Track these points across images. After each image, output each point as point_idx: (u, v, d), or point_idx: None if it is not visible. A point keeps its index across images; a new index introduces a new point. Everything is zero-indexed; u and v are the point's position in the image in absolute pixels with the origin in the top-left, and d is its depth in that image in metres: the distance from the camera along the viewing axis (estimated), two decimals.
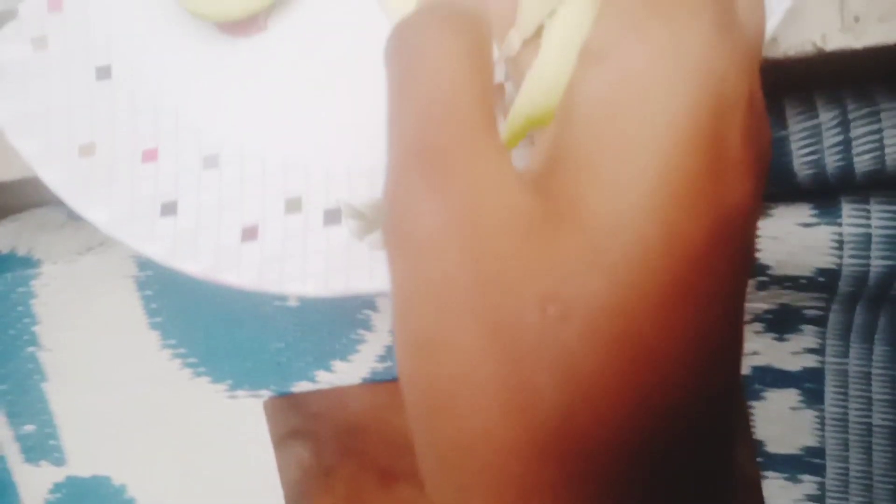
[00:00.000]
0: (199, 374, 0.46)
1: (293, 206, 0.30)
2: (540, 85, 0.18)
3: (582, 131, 0.14)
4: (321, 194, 0.30)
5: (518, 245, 0.13)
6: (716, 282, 0.14)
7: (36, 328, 0.47)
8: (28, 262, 0.47)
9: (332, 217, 0.30)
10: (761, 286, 0.42)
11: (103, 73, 0.33)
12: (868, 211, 0.38)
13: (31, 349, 0.47)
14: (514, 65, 0.23)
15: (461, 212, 0.13)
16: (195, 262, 0.30)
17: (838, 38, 0.26)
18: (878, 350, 0.43)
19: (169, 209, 0.31)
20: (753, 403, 0.45)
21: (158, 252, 0.30)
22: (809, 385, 0.44)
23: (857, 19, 0.26)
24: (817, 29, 0.26)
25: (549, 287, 0.13)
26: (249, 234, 0.30)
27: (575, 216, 0.13)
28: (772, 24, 0.24)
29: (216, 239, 0.30)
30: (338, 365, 0.43)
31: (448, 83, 0.15)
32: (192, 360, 0.46)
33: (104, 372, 0.47)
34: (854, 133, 0.33)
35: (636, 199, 0.13)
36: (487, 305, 0.13)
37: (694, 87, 0.13)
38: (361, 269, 0.28)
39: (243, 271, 0.29)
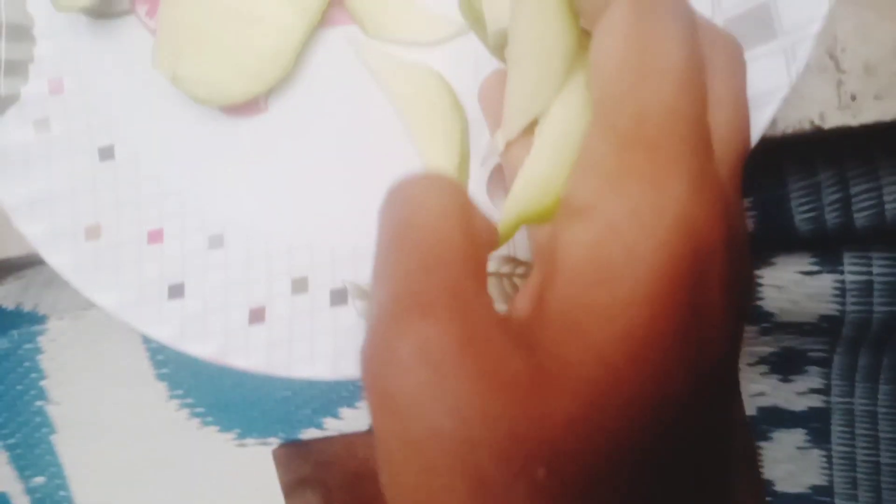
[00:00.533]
0: (207, 424, 0.46)
1: (299, 286, 0.30)
2: (532, 185, 0.19)
3: (568, 289, 0.14)
4: (327, 274, 0.30)
5: (505, 405, 0.13)
6: (700, 428, 0.14)
7: (43, 382, 0.48)
8: (34, 318, 0.48)
9: (338, 297, 0.30)
10: (764, 332, 0.43)
11: (106, 153, 0.33)
12: (869, 258, 0.38)
13: (39, 403, 0.48)
14: (505, 160, 0.23)
15: (446, 368, 0.13)
16: (203, 346, 0.30)
17: (836, 116, 0.26)
18: (884, 389, 0.44)
19: (176, 291, 0.31)
20: (761, 444, 0.45)
21: (167, 335, 0.31)
22: (816, 425, 0.44)
23: (853, 98, 0.26)
24: (815, 107, 0.26)
25: (538, 450, 0.13)
26: (257, 315, 0.30)
27: (562, 378, 0.14)
28: (769, 112, 0.24)
29: (224, 321, 0.30)
30: (345, 412, 0.44)
31: (437, 239, 0.15)
32: (199, 409, 0.46)
33: (113, 423, 0.47)
34: (853, 190, 0.33)
35: (622, 362, 0.13)
36: (476, 466, 0.13)
37: (673, 243, 0.14)
38: None
39: (252, 354, 0.30)
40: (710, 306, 0.14)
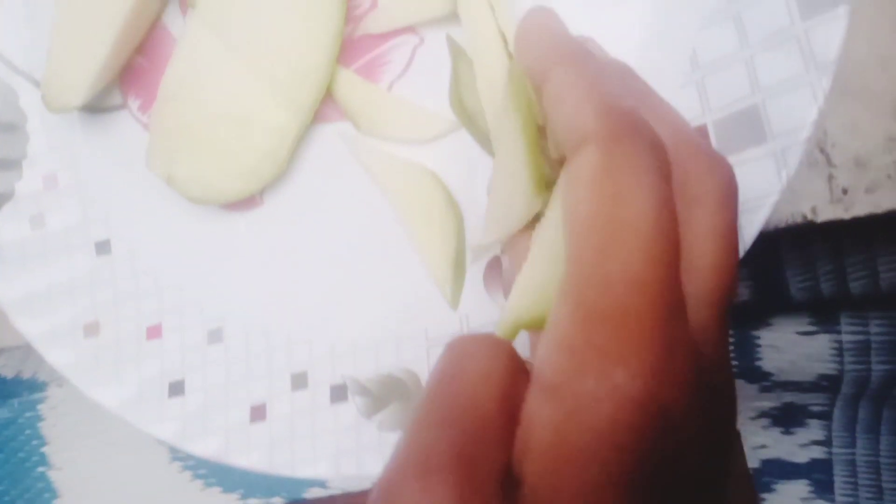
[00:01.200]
0: (209, 485, 0.46)
1: (299, 381, 0.30)
2: (529, 292, 0.19)
3: (540, 466, 0.15)
4: (327, 369, 0.30)
5: None
6: None
7: (45, 448, 0.48)
8: (34, 386, 0.48)
9: (338, 394, 0.30)
10: (764, 389, 0.43)
11: (103, 248, 0.33)
12: (866, 319, 0.39)
13: (41, 469, 0.48)
14: (507, 252, 0.24)
15: None
16: (205, 445, 0.30)
17: (828, 210, 0.26)
18: (885, 440, 0.44)
19: (176, 389, 0.31)
20: (764, 496, 0.45)
21: (168, 434, 0.31)
22: (819, 476, 0.44)
23: (845, 191, 0.26)
24: (807, 202, 0.26)
25: None
26: (258, 413, 0.30)
27: None
28: (761, 217, 0.24)
29: (225, 419, 0.30)
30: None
31: (468, 403, 0.16)
32: (202, 471, 0.46)
33: (115, 487, 0.47)
34: (847, 260, 0.33)
35: None
36: None
37: (638, 425, 0.14)
38: (372, 452, 0.29)
39: (253, 454, 0.30)
40: (684, 474, 0.15)
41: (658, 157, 0.16)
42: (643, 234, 0.15)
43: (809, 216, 0.26)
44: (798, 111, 0.24)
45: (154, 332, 0.32)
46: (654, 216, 0.15)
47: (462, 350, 0.17)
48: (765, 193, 0.24)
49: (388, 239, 0.30)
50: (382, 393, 0.29)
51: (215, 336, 0.32)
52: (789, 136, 0.24)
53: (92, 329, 0.32)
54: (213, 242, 0.32)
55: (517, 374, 0.16)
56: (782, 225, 0.26)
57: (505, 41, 0.26)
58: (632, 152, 0.16)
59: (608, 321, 0.14)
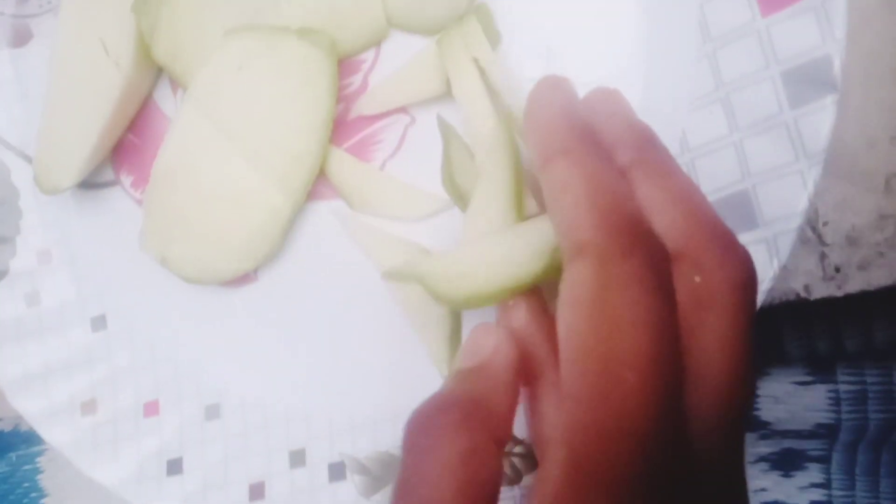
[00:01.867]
0: None
1: (297, 458, 0.30)
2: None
3: None
4: (325, 447, 0.30)
5: None
6: None
7: (44, 501, 0.48)
8: (32, 439, 0.48)
9: (337, 472, 0.30)
10: (763, 437, 0.43)
11: (98, 323, 0.33)
12: (862, 370, 0.39)
13: None
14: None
15: None
16: None
17: (821, 288, 0.26)
18: (885, 482, 0.44)
19: (175, 467, 0.31)
20: None
21: None
22: None
23: (837, 269, 0.26)
24: (800, 279, 0.26)
25: None
26: (257, 491, 0.30)
27: None
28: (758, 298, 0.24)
29: (224, 498, 0.30)
30: None
31: (429, 496, 0.16)
32: None
33: None
34: (843, 329, 0.33)
35: None
36: None
37: None
38: None
39: None
40: None
41: (659, 274, 0.16)
42: (640, 373, 0.15)
43: (803, 294, 0.26)
44: (789, 198, 0.24)
45: (151, 408, 0.32)
46: (652, 352, 0.15)
47: (423, 437, 0.17)
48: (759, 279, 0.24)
49: (384, 316, 0.30)
50: (381, 472, 0.29)
51: (213, 412, 0.32)
52: (780, 223, 0.24)
53: (89, 407, 0.32)
54: (208, 317, 0.32)
55: (480, 450, 0.16)
56: (776, 302, 0.26)
57: (500, 116, 0.26)
58: (629, 273, 0.15)
59: (602, 486, 0.14)
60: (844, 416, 0.40)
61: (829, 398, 0.40)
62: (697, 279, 0.16)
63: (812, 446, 0.43)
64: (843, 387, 0.39)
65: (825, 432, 0.41)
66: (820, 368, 0.39)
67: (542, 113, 0.20)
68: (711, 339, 0.16)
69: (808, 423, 0.41)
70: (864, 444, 0.43)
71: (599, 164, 0.18)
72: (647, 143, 0.19)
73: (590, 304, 0.16)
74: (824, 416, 0.40)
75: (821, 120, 0.24)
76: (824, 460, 0.44)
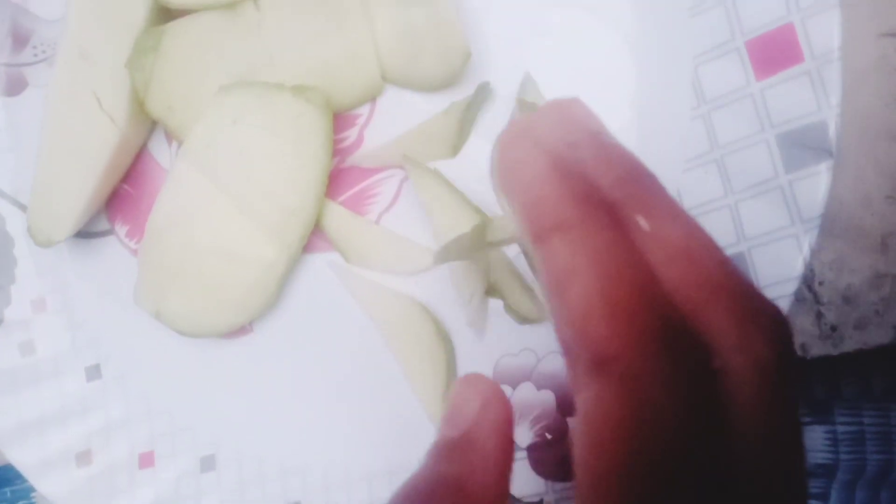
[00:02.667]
0: None
1: None
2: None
3: None
4: (320, 500, 0.30)
5: None
6: None
7: None
8: None
9: None
10: None
11: (93, 372, 0.33)
12: (860, 411, 0.39)
13: None
14: None
15: None
16: None
17: (818, 347, 0.26)
18: None
19: None
20: None
21: None
22: None
23: (834, 329, 0.26)
24: (797, 338, 0.26)
25: None
26: None
27: None
28: None
29: None
30: None
31: None
32: None
33: None
34: (841, 374, 0.33)
35: None
36: None
37: None
38: None
39: None
40: None
41: (697, 382, 0.13)
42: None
43: (800, 353, 0.26)
44: (784, 263, 0.24)
45: (147, 459, 0.32)
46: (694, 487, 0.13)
47: None
48: None
49: (381, 368, 0.30)
50: None
51: (208, 464, 0.31)
52: (776, 288, 0.24)
53: (84, 458, 0.32)
54: (204, 368, 0.32)
55: None
56: None
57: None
58: (662, 394, 0.13)
59: None
60: (843, 456, 0.40)
61: (827, 439, 0.40)
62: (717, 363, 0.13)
63: (811, 485, 0.43)
64: (840, 428, 0.39)
65: (823, 472, 0.41)
66: (817, 410, 0.39)
67: (522, 171, 0.16)
68: (752, 438, 0.13)
69: (807, 463, 0.41)
70: (863, 483, 0.43)
71: (608, 238, 0.15)
72: (648, 185, 0.16)
73: (618, 439, 0.13)
74: (822, 457, 0.40)
75: (816, 185, 0.24)
76: (823, 497, 0.44)
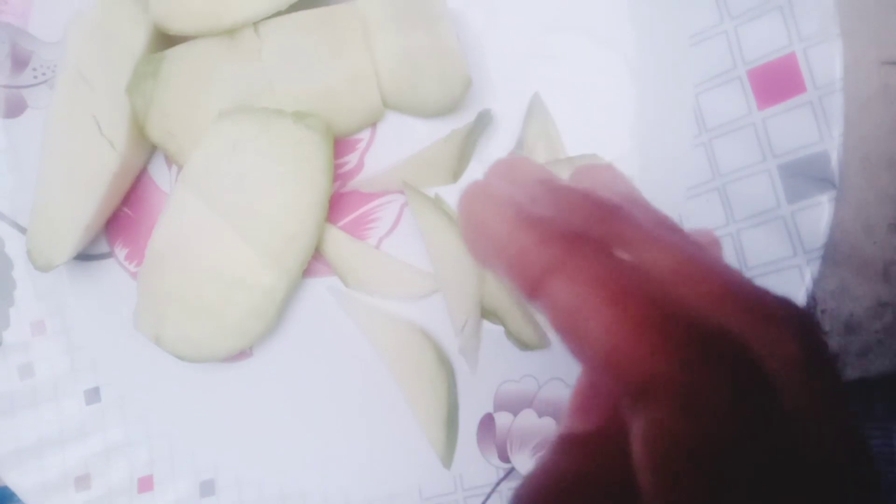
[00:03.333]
0: None
1: None
2: None
3: None
4: None
5: None
6: None
7: None
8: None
9: None
10: None
11: (92, 396, 0.33)
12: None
13: None
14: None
15: None
16: None
17: None
18: None
19: None
20: None
21: None
22: None
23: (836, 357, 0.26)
24: None
25: None
26: None
27: None
28: None
29: None
30: None
31: None
32: None
33: None
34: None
35: None
36: None
37: None
38: None
39: None
40: None
41: (750, 375, 0.12)
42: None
43: None
44: (787, 293, 0.24)
45: (146, 483, 0.32)
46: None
47: None
48: None
49: (381, 393, 0.30)
50: None
51: (207, 488, 0.31)
52: None
53: (83, 482, 0.32)
54: (203, 391, 0.32)
55: None
56: None
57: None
58: (718, 403, 0.12)
59: None
60: None
61: None
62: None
63: None
64: None
65: None
66: None
67: (492, 232, 0.16)
68: (810, 435, 0.13)
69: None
70: None
71: (603, 264, 0.14)
72: (610, 215, 0.16)
73: (688, 456, 0.12)
74: None
75: (818, 216, 0.23)
76: None
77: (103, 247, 0.33)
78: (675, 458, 0.12)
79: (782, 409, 0.12)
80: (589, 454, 0.15)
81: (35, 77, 0.33)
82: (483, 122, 0.27)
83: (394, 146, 0.29)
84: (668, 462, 0.12)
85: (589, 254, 0.14)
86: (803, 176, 0.24)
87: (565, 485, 0.15)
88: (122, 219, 0.32)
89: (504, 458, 0.28)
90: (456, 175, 0.28)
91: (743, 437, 0.12)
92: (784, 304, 0.14)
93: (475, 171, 0.28)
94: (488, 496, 0.28)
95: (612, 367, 0.13)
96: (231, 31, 0.27)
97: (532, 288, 0.14)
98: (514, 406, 0.28)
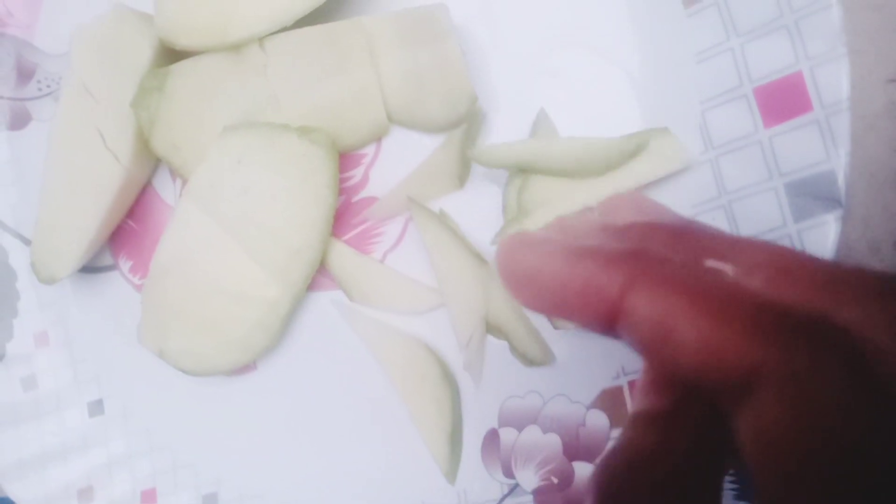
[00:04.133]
0: None
1: None
2: None
3: None
4: None
5: None
6: None
7: None
8: None
9: None
10: None
11: (96, 408, 0.33)
12: None
13: None
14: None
15: None
16: None
17: None
18: None
19: None
20: None
21: None
22: None
23: None
24: None
25: None
26: None
27: None
28: None
29: None
30: None
31: None
32: None
33: None
34: None
35: None
36: None
37: None
38: None
39: None
40: None
41: (840, 357, 0.12)
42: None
43: None
44: None
45: (149, 496, 0.32)
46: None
47: None
48: None
49: (384, 408, 0.29)
50: None
51: (210, 501, 0.31)
52: None
53: (86, 495, 0.32)
54: (206, 404, 0.32)
55: None
56: None
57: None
58: (818, 376, 0.12)
59: None
60: None
61: None
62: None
63: None
64: None
65: None
66: None
67: (544, 274, 0.15)
68: None
69: None
70: None
71: (673, 266, 0.14)
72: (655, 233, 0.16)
73: (803, 440, 0.12)
74: None
75: (825, 235, 0.23)
76: None
77: (107, 259, 0.33)
78: (791, 443, 0.12)
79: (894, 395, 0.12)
80: (660, 430, 0.15)
81: (40, 89, 0.33)
82: (476, 121, 0.27)
83: (399, 161, 0.29)
84: (783, 450, 0.12)
85: (654, 260, 0.14)
86: (810, 195, 0.24)
87: (640, 457, 0.15)
88: (127, 232, 0.32)
89: (508, 473, 0.28)
90: (462, 180, 0.28)
91: (858, 426, 0.11)
92: (886, 277, 0.13)
93: (481, 173, 0.28)
94: None
95: (710, 368, 0.13)
96: (237, 47, 0.27)
97: (609, 313, 0.14)
98: (518, 422, 0.28)
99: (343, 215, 0.30)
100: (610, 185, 0.26)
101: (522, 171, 0.26)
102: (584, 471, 0.27)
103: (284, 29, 0.27)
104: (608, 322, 0.14)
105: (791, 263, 0.14)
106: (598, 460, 0.15)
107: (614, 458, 0.15)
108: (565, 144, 0.26)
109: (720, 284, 0.13)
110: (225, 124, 0.28)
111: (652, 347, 0.13)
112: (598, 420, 0.27)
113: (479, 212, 0.28)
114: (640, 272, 0.14)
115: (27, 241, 0.33)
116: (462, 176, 0.28)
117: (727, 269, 0.14)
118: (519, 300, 0.16)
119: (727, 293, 0.13)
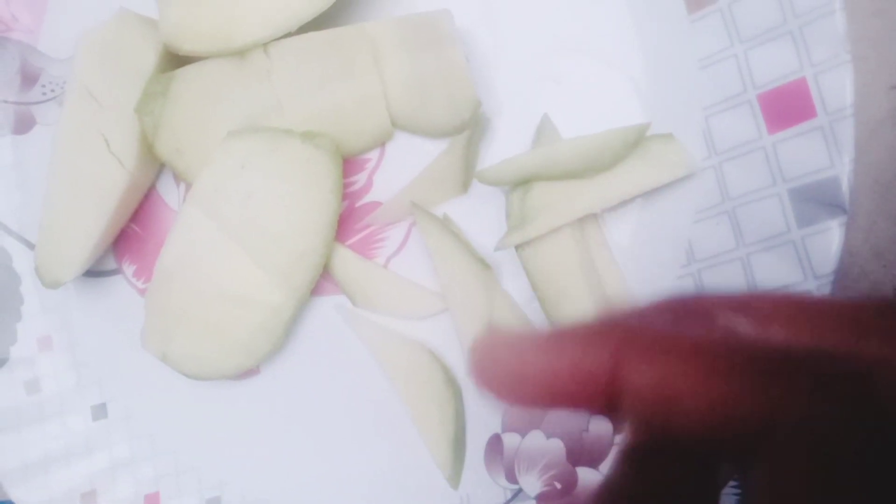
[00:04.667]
0: None
1: None
2: None
3: None
4: None
5: None
6: None
7: None
8: None
9: None
10: None
11: (99, 412, 0.33)
12: None
13: None
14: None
15: None
16: None
17: None
18: None
19: None
20: None
21: None
22: None
23: None
24: None
25: None
26: None
27: None
28: None
29: None
30: None
31: None
32: None
33: None
34: None
35: None
36: None
37: None
38: None
39: None
40: None
41: (850, 398, 0.12)
42: None
43: None
44: None
45: (152, 500, 0.32)
46: None
47: None
48: None
49: (387, 412, 0.29)
50: None
51: None
52: None
53: (89, 498, 0.32)
54: (210, 408, 0.32)
55: None
56: None
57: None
58: (828, 424, 0.11)
59: None
60: None
61: None
62: None
63: None
64: None
65: None
66: None
67: (527, 360, 0.14)
68: None
69: None
70: None
71: (661, 329, 0.14)
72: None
73: (817, 488, 0.11)
74: None
75: (829, 241, 0.23)
76: None
77: (111, 263, 0.33)
78: (805, 493, 0.11)
79: None
80: (650, 467, 0.14)
81: (44, 94, 0.33)
82: (479, 127, 0.27)
83: (403, 166, 0.29)
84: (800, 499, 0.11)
85: (650, 327, 0.14)
86: (813, 201, 0.24)
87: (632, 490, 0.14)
88: (131, 236, 0.32)
89: (512, 479, 0.28)
90: (465, 185, 0.28)
91: (878, 472, 0.11)
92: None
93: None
94: None
95: (717, 426, 0.12)
96: (241, 52, 0.28)
97: (605, 393, 0.13)
98: (522, 427, 0.28)
99: (346, 220, 0.30)
100: (614, 190, 0.26)
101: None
102: (587, 476, 0.27)
103: (289, 34, 0.27)
104: (608, 401, 0.13)
105: (808, 307, 0.13)
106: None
107: (605, 487, 0.14)
108: (568, 146, 0.26)
109: (719, 339, 0.13)
110: (229, 129, 0.28)
111: (656, 416, 0.13)
112: (601, 425, 0.27)
113: (483, 217, 0.28)
114: (626, 342, 0.13)
115: (31, 246, 0.33)
116: (465, 181, 0.28)
117: (742, 323, 0.13)
118: (505, 402, 0.15)
119: (728, 346, 0.12)
